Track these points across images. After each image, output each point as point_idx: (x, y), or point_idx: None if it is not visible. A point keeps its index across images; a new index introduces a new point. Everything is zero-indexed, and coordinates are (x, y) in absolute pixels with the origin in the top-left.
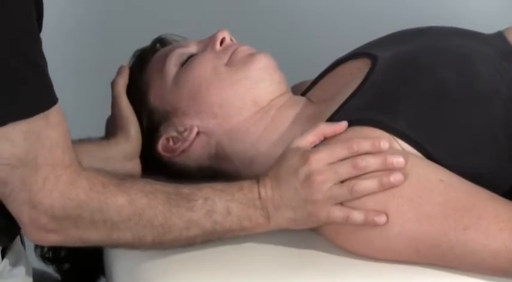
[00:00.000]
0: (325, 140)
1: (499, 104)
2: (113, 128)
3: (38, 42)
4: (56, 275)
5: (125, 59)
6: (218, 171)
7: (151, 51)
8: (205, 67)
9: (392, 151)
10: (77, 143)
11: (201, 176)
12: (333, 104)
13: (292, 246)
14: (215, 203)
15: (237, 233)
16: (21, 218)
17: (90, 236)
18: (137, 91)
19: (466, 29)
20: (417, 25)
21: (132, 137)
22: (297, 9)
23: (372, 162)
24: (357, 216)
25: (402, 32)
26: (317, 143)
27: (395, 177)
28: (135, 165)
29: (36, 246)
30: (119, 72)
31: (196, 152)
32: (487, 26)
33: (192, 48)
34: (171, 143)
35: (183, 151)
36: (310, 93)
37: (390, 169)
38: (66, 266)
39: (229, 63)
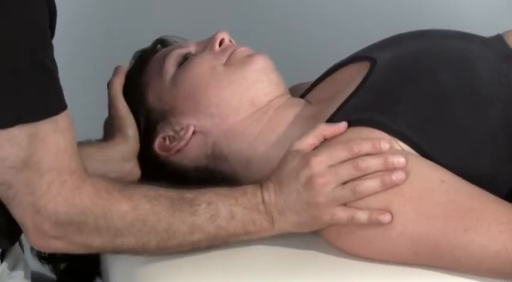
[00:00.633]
0: (325, 141)
1: (499, 106)
2: (110, 128)
3: (50, 47)
4: (53, 277)
5: (125, 59)
6: (215, 171)
7: (152, 52)
8: (204, 67)
9: (393, 151)
10: (77, 146)
11: (198, 177)
12: (332, 104)
13: (292, 247)
14: (219, 208)
15: (242, 238)
16: (24, 223)
17: (94, 242)
18: (136, 90)
19: (466, 32)
20: (417, 26)
21: (130, 137)
22: (296, 10)
23: (373, 162)
24: (361, 216)
25: (402, 35)
26: (317, 144)
27: (397, 176)
28: (134, 166)
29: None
30: (115, 72)
31: (192, 152)
32: (487, 26)
33: (191, 49)
34: (167, 142)
35: (179, 150)
36: (309, 95)
37: (391, 169)
38: (62, 265)
39: (227, 64)
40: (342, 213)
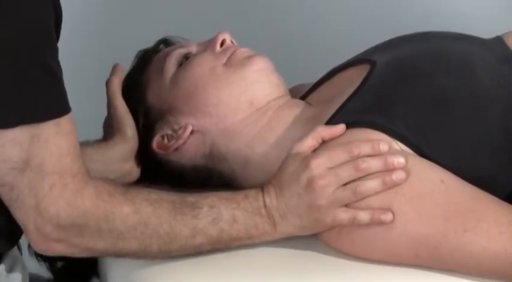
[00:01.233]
0: (325, 143)
1: (498, 108)
2: (109, 128)
3: (55, 50)
4: (50, 277)
5: (128, 60)
6: (213, 171)
7: (155, 52)
8: (204, 67)
9: (393, 152)
10: None
11: (196, 176)
12: (332, 106)
13: (292, 248)
14: (221, 211)
15: (244, 242)
16: (26, 225)
17: (96, 246)
18: (136, 89)
19: (465, 34)
20: (417, 28)
21: (129, 137)
22: (297, 11)
23: (373, 163)
24: (363, 216)
25: (401, 37)
26: (316, 146)
27: (398, 175)
28: (133, 166)
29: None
30: (114, 71)
31: (190, 151)
32: (487, 28)
33: (193, 49)
34: (165, 140)
35: (177, 149)
36: (310, 97)
37: (391, 169)
38: (59, 264)
39: (227, 64)
40: (343, 215)
